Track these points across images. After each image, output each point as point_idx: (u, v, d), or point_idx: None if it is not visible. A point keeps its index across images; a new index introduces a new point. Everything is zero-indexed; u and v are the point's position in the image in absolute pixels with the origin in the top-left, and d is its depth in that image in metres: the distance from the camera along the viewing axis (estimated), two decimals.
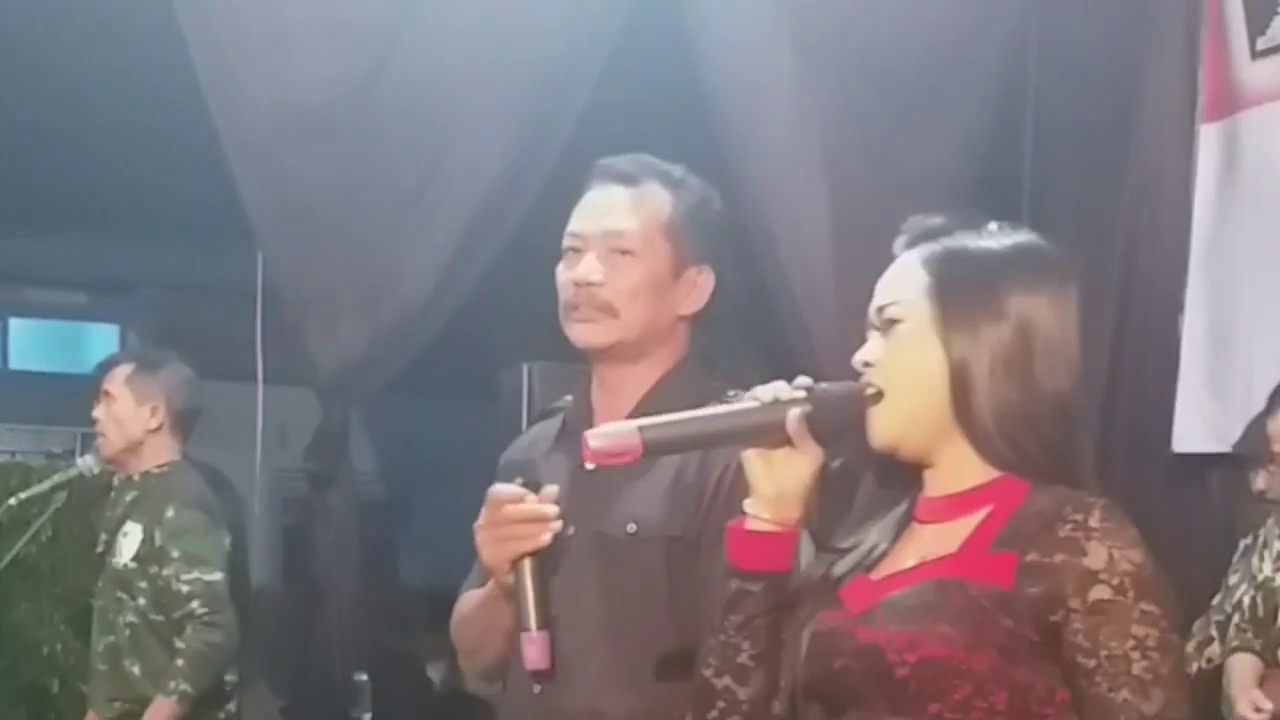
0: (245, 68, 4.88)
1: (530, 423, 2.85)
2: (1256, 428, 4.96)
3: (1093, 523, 1.81)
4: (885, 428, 1.93)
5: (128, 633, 4.59)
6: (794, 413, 1.93)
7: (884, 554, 1.96)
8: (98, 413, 4.72)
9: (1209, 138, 5.61)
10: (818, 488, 1.97)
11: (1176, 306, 5.62)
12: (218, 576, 4.53)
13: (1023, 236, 1.98)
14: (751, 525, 1.97)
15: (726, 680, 1.98)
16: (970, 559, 1.85)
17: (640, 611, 2.48)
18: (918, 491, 1.97)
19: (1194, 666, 4.93)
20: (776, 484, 1.95)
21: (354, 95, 4.96)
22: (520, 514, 2.38)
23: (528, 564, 2.37)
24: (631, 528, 2.48)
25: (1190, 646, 4.95)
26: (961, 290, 1.91)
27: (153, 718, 4.46)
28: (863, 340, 2.00)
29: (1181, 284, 5.61)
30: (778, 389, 1.96)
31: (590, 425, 2.57)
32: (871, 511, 2.03)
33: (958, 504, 1.92)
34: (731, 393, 2.56)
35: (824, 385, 1.96)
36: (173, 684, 4.45)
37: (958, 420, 1.90)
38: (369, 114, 4.97)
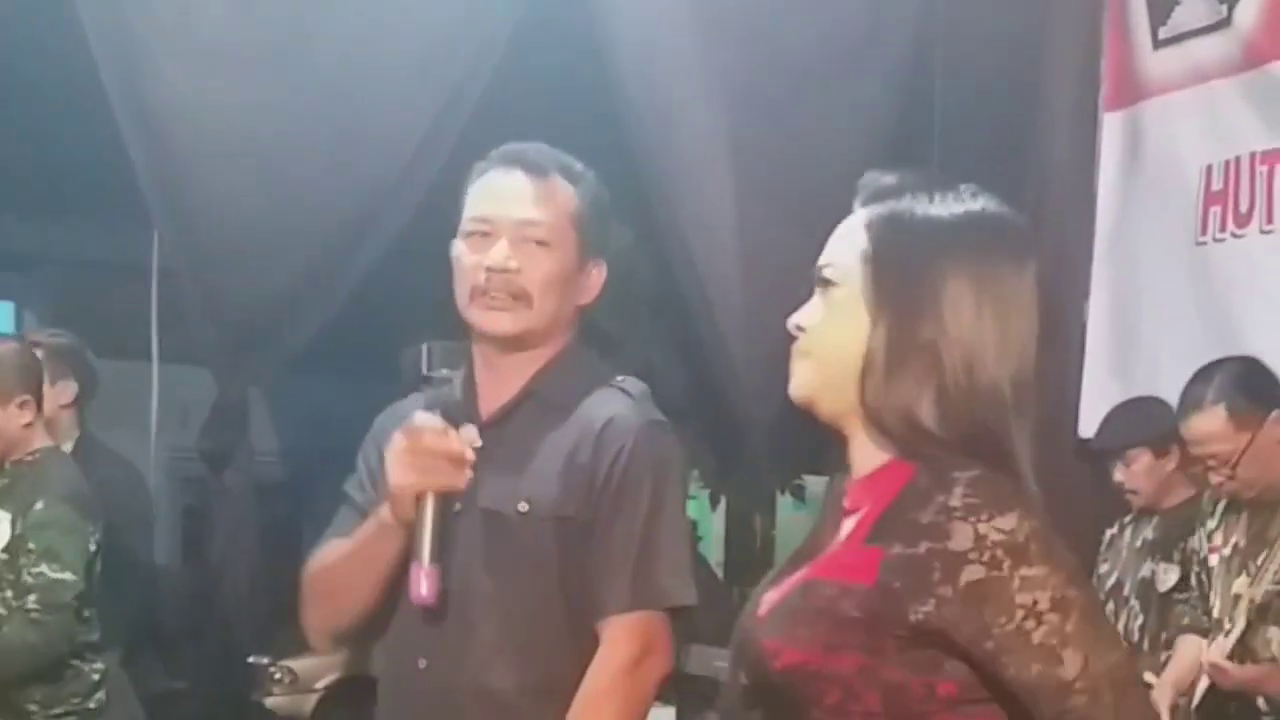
0: (141, 49, 4.80)
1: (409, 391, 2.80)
2: (1114, 421, 4.99)
3: (954, 501, 1.69)
4: (802, 384, 1.85)
5: (2, 628, 4.46)
6: None
7: (813, 551, 1.87)
8: None
9: (1112, 126, 5.65)
10: None
11: (1082, 294, 5.66)
12: (65, 576, 4.28)
13: (976, 204, 1.86)
14: None
15: None
16: (841, 556, 1.77)
17: (529, 589, 2.48)
18: (845, 476, 1.87)
19: None
20: None
21: (252, 68, 4.88)
22: (444, 448, 2.36)
23: (432, 499, 2.36)
24: (523, 507, 2.47)
25: None
26: (896, 261, 1.80)
27: None
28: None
29: (1087, 271, 5.65)
30: None
31: (475, 406, 2.56)
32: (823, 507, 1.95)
33: (862, 490, 1.82)
34: (620, 378, 2.56)
35: None
36: None
37: (859, 389, 1.79)
38: (267, 88, 4.90)
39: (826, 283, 1.84)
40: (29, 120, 6.19)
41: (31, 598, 4.28)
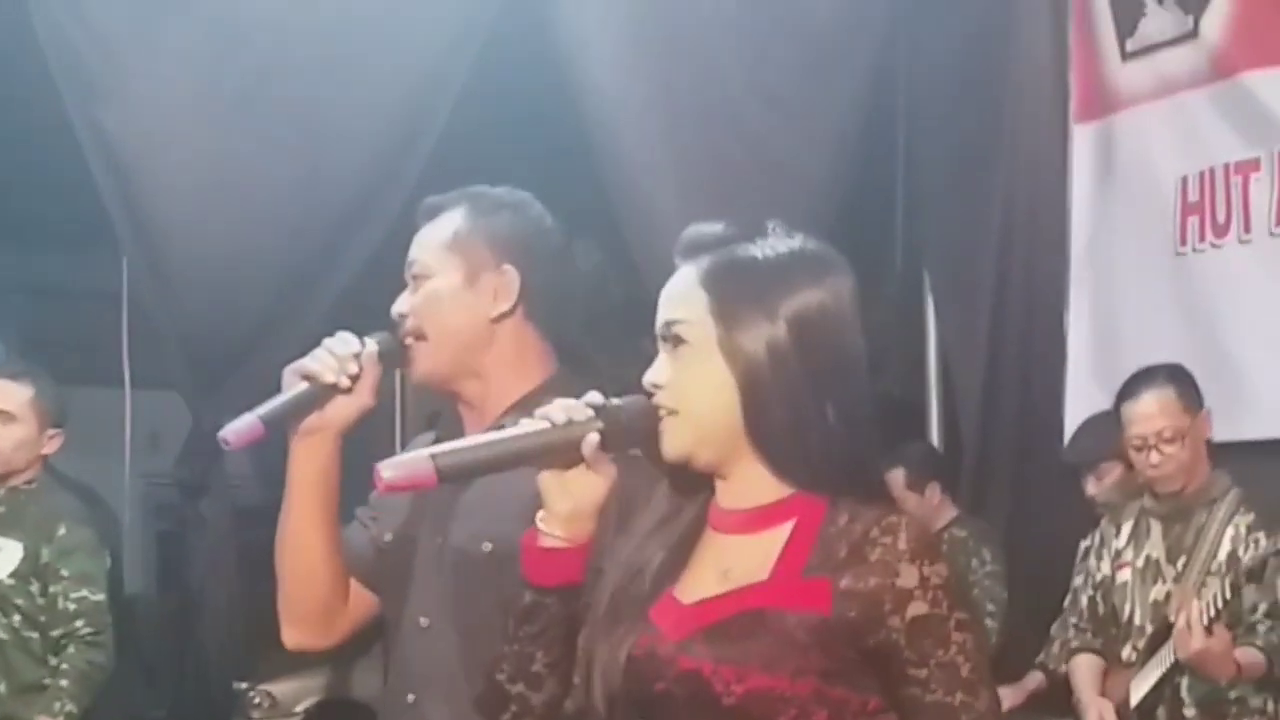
0: (103, 77, 4.78)
1: (408, 426, 2.82)
2: (1085, 434, 5.00)
3: (901, 545, 1.88)
4: (678, 443, 1.96)
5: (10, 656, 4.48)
6: (591, 436, 1.96)
7: (682, 565, 1.99)
8: None
9: (1083, 138, 5.65)
10: (608, 501, 2.01)
11: (1059, 306, 5.66)
12: (102, 596, 4.49)
13: (795, 241, 1.99)
14: (545, 542, 2.01)
15: (520, 687, 2.04)
16: (785, 587, 1.90)
17: (498, 626, 2.46)
18: (708, 497, 2.00)
19: (1061, 668, 4.96)
20: (570, 502, 1.99)
21: (218, 96, 4.85)
22: (339, 348, 2.47)
23: (305, 384, 2.46)
24: (487, 546, 2.47)
25: (1054, 648, 4.97)
26: (740, 307, 1.93)
27: None
28: None
29: (1062, 283, 5.65)
30: (570, 408, 1.97)
31: None
32: (660, 518, 2.04)
33: (758, 518, 1.95)
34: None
35: (615, 402, 1.98)
36: (58, 704, 4.37)
37: (751, 437, 1.93)
38: (235, 117, 4.87)
39: (677, 340, 1.96)
40: None
41: (80, 622, 4.44)
